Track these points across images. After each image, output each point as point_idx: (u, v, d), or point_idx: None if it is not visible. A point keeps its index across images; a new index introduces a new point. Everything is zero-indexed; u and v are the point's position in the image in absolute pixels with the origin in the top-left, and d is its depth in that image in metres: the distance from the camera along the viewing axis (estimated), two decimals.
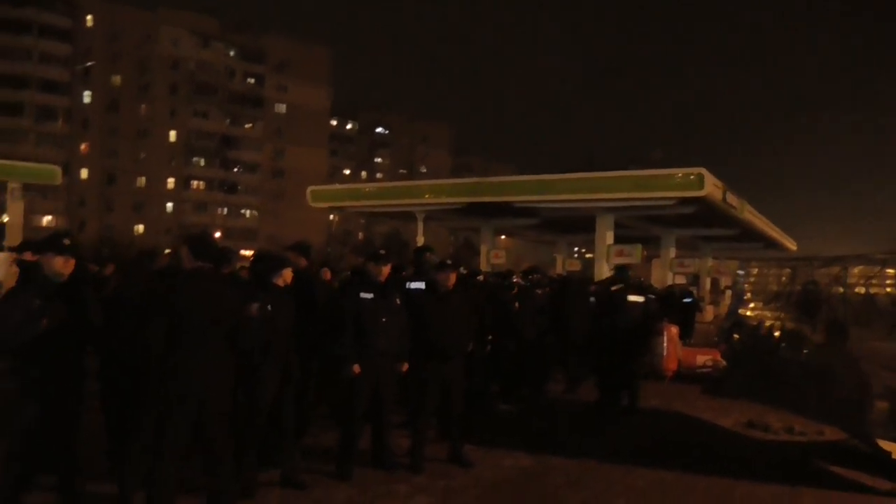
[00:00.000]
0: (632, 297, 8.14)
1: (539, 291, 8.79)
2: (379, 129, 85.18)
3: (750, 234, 22.27)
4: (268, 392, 4.65)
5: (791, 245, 27.88)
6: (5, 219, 16.22)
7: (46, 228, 47.84)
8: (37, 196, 47.09)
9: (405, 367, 5.36)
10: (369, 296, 5.17)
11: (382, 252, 5.43)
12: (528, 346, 8.00)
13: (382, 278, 5.30)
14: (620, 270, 8.59)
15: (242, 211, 70.25)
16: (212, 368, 3.93)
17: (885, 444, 5.96)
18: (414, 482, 5.14)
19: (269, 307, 4.60)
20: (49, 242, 3.94)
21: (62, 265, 3.88)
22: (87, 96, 61.12)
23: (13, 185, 16.01)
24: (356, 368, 5.05)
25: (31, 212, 45.08)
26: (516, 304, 7.87)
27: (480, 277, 8.47)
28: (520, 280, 8.57)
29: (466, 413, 5.85)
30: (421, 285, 5.71)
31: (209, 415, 3.92)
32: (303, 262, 5.69)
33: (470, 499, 4.89)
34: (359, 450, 5.27)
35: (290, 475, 4.85)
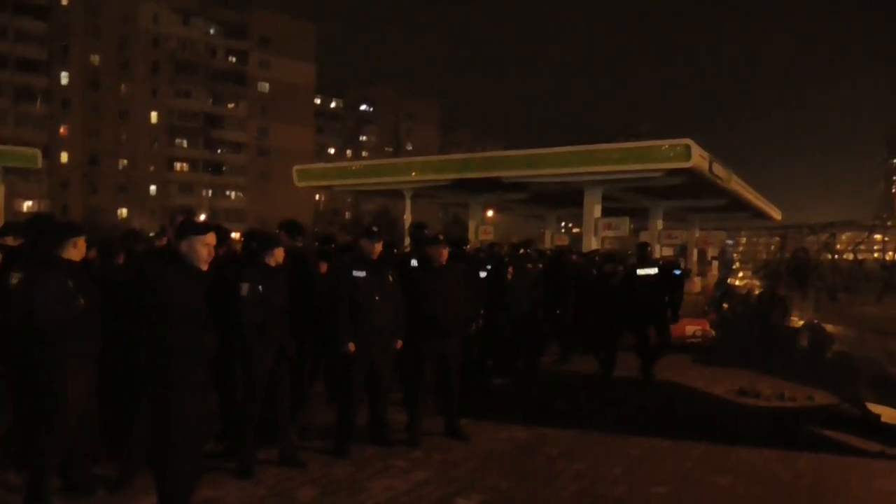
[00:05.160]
0: (642, 271, 8.49)
1: (531, 266, 8.80)
2: (364, 107, 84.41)
3: (736, 205, 22.39)
4: (263, 371, 4.63)
5: (776, 214, 28.04)
6: None
7: (28, 213, 47.19)
8: (17, 179, 46.35)
9: (399, 343, 5.37)
10: (362, 273, 5.13)
11: (375, 229, 5.39)
12: (521, 320, 8.02)
13: (375, 255, 5.26)
14: (640, 247, 9.04)
15: (228, 192, 69.61)
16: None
17: (873, 407, 6.08)
18: (411, 457, 5.16)
19: (260, 287, 4.56)
20: (77, 227, 4.12)
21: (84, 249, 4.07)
22: (65, 76, 59.95)
23: None
24: (351, 346, 5.04)
25: (13, 196, 44.47)
26: (509, 278, 7.85)
27: (467, 247, 8.46)
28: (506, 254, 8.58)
29: (462, 387, 5.87)
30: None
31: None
32: (298, 241, 5.65)
33: (468, 472, 4.91)
34: (356, 426, 5.28)
35: (287, 453, 4.84)
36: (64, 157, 59.96)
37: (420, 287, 5.45)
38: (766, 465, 5.23)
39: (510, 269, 7.90)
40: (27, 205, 54.03)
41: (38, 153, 17.80)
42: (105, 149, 61.94)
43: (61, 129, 59.86)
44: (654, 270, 8.53)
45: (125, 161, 63.11)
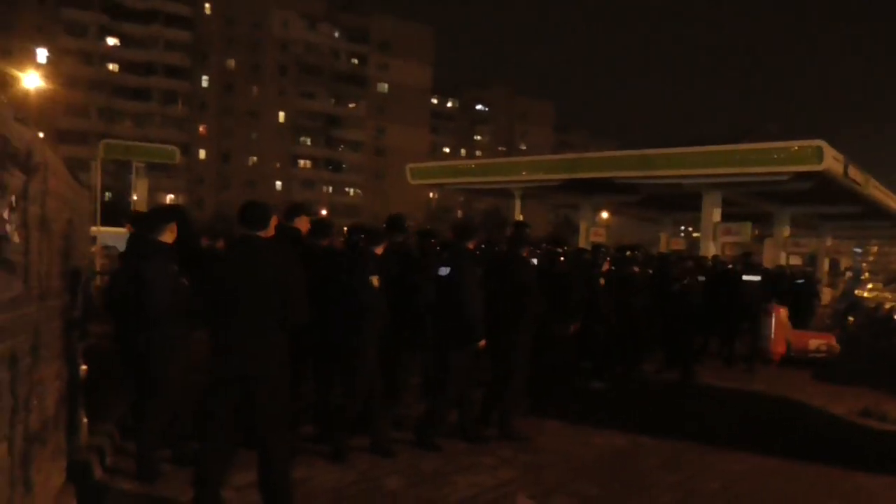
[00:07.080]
0: (747, 277, 9.18)
1: (637, 269, 8.53)
2: (479, 107, 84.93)
3: (875, 212, 20.59)
4: (368, 360, 4.80)
5: None
6: (134, 196, 17.45)
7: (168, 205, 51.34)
8: (161, 175, 50.55)
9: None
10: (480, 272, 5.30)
11: (470, 228, 5.56)
12: (620, 324, 7.82)
13: None
14: (744, 255, 9.97)
15: (347, 189, 72.39)
16: (256, 347, 3.46)
17: None
18: (499, 455, 5.16)
19: (377, 278, 4.76)
20: (174, 214, 4.46)
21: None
22: (205, 80, 64.73)
23: (138, 165, 17.25)
24: (482, 343, 5.13)
25: (156, 189, 48.56)
26: (602, 282, 7.68)
27: (564, 249, 8.36)
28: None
29: (556, 389, 5.83)
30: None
31: (254, 400, 3.47)
32: (399, 236, 5.83)
33: (556, 475, 4.84)
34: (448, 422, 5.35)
35: (379, 442, 4.98)
36: (202, 153, 64.80)
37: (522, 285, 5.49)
38: (885, 494, 4.79)
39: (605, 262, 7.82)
40: (169, 198, 58.77)
41: (177, 150, 19.26)
42: (236, 147, 66.25)
43: (200, 129, 64.70)
44: (757, 277, 9.19)
45: (254, 158, 67.18)
